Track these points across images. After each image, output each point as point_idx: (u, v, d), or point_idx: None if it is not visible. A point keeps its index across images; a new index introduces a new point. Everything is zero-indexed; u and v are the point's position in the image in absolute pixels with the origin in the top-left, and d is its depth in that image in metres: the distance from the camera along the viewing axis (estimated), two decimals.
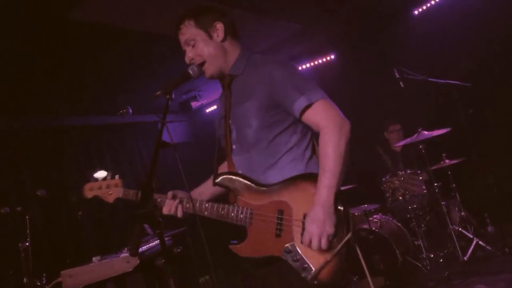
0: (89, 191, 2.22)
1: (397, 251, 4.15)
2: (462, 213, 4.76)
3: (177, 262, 4.16)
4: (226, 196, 2.04)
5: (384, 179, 4.87)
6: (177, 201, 1.99)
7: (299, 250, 1.73)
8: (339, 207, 1.73)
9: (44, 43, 4.15)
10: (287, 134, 1.88)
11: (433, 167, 4.63)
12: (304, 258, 1.72)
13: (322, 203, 1.69)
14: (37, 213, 5.16)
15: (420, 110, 5.73)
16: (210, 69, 1.97)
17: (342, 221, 1.72)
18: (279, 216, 1.79)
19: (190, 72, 1.95)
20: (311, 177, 1.78)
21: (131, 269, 3.18)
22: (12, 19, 3.63)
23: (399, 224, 4.60)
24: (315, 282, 1.69)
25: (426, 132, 4.56)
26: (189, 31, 1.96)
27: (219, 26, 1.96)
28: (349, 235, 1.71)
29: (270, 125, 1.85)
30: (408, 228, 4.65)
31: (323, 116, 1.78)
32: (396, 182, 4.74)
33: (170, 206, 1.98)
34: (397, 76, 4.32)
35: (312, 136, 1.96)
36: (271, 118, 1.85)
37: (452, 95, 4.40)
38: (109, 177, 2.20)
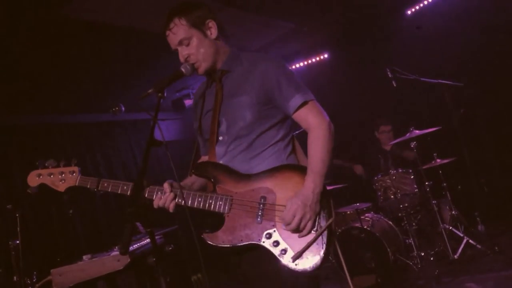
0: (35, 178, 2.04)
1: (388, 250, 4.17)
2: (453, 212, 4.79)
3: (168, 260, 4.15)
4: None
5: (376, 178, 4.89)
6: (169, 195, 1.90)
7: (280, 235, 1.76)
8: (324, 195, 1.79)
9: (36, 40, 4.11)
10: (275, 129, 1.94)
11: (425, 167, 4.66)
12: (285, 242, 1.75)
13: (312, 188, 1.75)
14: (28, 211, 5.12)
15: (412, 109, 5.76)
16: (204, 66, 1.97)
17: (324, 208, 1.78)
18: (262, 202, 1.81)
19: (183, 70, 1.93)
20: (296, 167, 1.87)
21: (121, 268, 3.16)
22: (4, 16, 3.59)
23: (391, 223, 4.62)
24: (294, 266, 1.71)
25: (417, 131, 4.58)
26: (182, 31, 1.93)
27: (212, 24, 1.96)
28: (331, 220, 1.76)
29: (262, 118, 1.90)
30: (400, 227, 4.68)
31: (317, 115, 1.88)
32: (388, 181, 4.77)
33: (164, 200, 1.90)
34: (390, 76, 4.34)
35: (293, 136, 2.04)
36: (264, 112, 1.90)
37: (444, 94, 4.42)
38: (61, 165, 2.03)
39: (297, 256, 1.71)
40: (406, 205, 4.67)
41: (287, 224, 1.74)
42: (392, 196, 4.70)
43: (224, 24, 2.03)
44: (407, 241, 4.63)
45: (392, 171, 4.78)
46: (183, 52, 1.95)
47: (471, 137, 4.85)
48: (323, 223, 1.76)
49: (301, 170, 1.83)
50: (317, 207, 1.76)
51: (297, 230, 1.73)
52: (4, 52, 4.14)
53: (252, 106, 1.89)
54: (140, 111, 6.62)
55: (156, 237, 3.70)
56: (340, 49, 6.49)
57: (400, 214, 4.69)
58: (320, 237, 1.74)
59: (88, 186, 2.03)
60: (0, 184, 5.27)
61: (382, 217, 4.68)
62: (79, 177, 2.06)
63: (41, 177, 2.03)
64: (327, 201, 1.80)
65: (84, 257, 3.34)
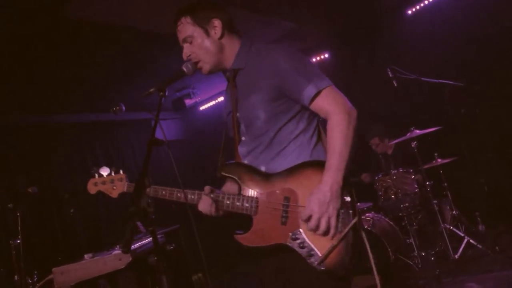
0: (93, 187, 2.20)
1: (389, 249, 4.17)
2: (454, 212, 4.80)
3: (169, 259, 4.16)
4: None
5: (376, 177, 4.89)
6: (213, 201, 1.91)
7: (305, 237, 1.72)
8: (346, 192, 1.72)
9: (36, 40, 4.12)
10: (294, 123, 1.88)
11: (425, 166, 4.66)
12: (311, 244, 1.71)
13: (330, 184, 1.68)
14: (29, 210, 5.12)
15: (413, 109, 5.76)
16: (207, 66, 1.97)
17: (348, 206, 1.71)
18: (285, 203, 1.78)
19: (184, 69, 1.93)
20: (317, 164, 1.78)
21: (123, 266, 3.17)
22: (4, 16, 3.60)
23: (391, 223, 4.62)
24: (322, 268, 1.68)
25: (418, 131, 4.59)
26: (186, 29, 1.94)
27: (217, 23, 1.95)
28: (356, 219, 1.69)
29: (277, 114, 1.85)
30: (400, 227, 4.68)
31: (332, 103, 1.79)
32: (388, 180, 4.76)
33: (208, 204, 1.91)
34: (390, 75, 4.34)
35: (318, 122, 1.96)
36: (278, 108, 1.85)
37: (444, 94, 4.42)
38: (113, 172, 2.20)
39: (323, 259, 1.68)
40: (407, 205, 4.67)
41: (305, 223, 1.70)
42: (393, 196, 4.70)
43: (233, 21, 2.01)
44: (408, 241, 4.63)
45: (393, 171, 4.78)
46: (186, 50, 1.97)
47: (471, 137, 4.84)
48: (348, 222, 1.69)
49: (322, 166, 1.74)
50: (337, 204, 1.68)
51: (318, 229, 1.68)
52: (4, 53, 4.14)
53: (264, 103, 1.84)
54: (141, 111, 6.63)
55: (158, 236, 3.71)
56: (340, 49, 6.49)
57: (400, 214, 4.69)
58: (346, 237, 1.69)
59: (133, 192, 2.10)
60: (1, 184, 5.28)
61: (382, 217, 4.68)
62: (126, 184, 2.16)
63: (97, 185, 2.20)
64: (351, 197, 1.72)
65: (85, 256, 3.34)
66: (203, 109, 8.13)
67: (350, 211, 1.71)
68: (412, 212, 4.75)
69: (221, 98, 7.81)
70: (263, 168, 1.88)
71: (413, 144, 4.59)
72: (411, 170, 4.74)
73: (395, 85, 4.35)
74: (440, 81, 4.42)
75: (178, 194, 1.96)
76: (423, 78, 4.37)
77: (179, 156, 7.48)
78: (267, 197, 1.82)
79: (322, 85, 1.80)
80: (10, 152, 5.48)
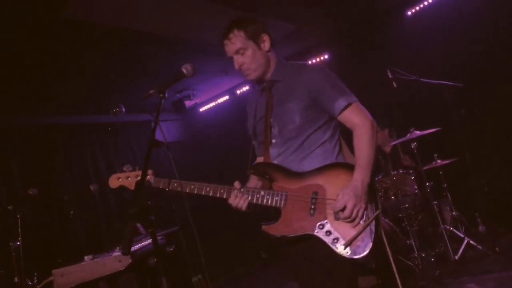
0: (115, 181, 2.25)
1: (389, 251, 4.16)
2: (454, 213, 4.80)
3: (169, 261, 4.16)
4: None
5: (376, 178, 4.89)
6: (244, 195, 2.07)
7: (331, 226, 1.94)
8: (370, 188, 1.96)
9: (35, 42, 4.12)
10: (322, 131, 2.13)
11: (425, 167, 4.66)
12: (336, 232, 1.93)
13: (361, 180, 1.93)
14: (29, 212, 5.13)
15: (413, 110, 5.76)
16: (254, 75, 2.18)
17: (371, 200, 1.96)
18: (314, 196, 1.99)
19: (184, 71, 2.01)
20: (344, 165, 2.06)
21: (123, 268, 3.16)
22: (3, 17, 3.60)
23: (391, 224, 4.62)
24: (346, 252, 1.87)
25: (418, 132, 4.59)
26: (239, 41, 2.14)
27: (266, 38, 2.18)
28: (378, 211, 1.93)
29: (309, 121, 2.10)
30: (400, 228, 4.67)
31: (360, 116, 2.08)
32: (388, 181, 4.76)
33: (239, 198, 2.07)
34: (390, 76, 4.34)
35: (340, 135, 2.22)
36: (311, 116, 2.10)
37: (444, 95, 4.43)
38: (137, 168, 2.25)
39: (349, 242, 1.88)
40: (407, 205, 4.66)
41: (339, 212, 1.90)
42: (392, 197, 4.69)
43: (274, 38, 2.23)
44: (408, 242, 4.62)
45: (392, 172, 4.78)
46: (238, 60, 2.16)
47: (471, 137, 4.84)
48: (371, 214, 1.93)
49: (349, 167, 2.01)
50: (366, 197, 1.94)
51: (349, 217, 1.90)
52: (4, 54, 4.15)
53: (300, 110, 2.08)
54: (141, 112, 6.63)
55: (157, 238, 3.70)
56: (340, 49, 6.49)
57: (400, 215, 4.68)
58: (369, 226, 1.90)
59: (161, 186, 2.21)
60: (1, 185, 5.28)
61: (382, 218, 4.67)
62: (153, 178, 2.23)
63: (120, 179, 2.24)
64: (374, 194, 1.98)
65: (85, 257, 3.34)
66: (203, 111, 8.14)
67: (373, 206, 1.96)
68: (412, 213, 4.75)
69: (220, 100, 7.82)
70: (292, 168, 2.08)
71: (413, 145, 4.58)
72: (411, 171, 4.74)
73: (395, 86, 4.36)
74: (440, 82, 4.42)
75: (207, 189, 2.10)
76: (422, 79, 4.37)
77: (179, 157, 7.48)
78: (296, 192, 2.03)
79: (351, 99, 2.08)
80: (10, 153, 5.48)
